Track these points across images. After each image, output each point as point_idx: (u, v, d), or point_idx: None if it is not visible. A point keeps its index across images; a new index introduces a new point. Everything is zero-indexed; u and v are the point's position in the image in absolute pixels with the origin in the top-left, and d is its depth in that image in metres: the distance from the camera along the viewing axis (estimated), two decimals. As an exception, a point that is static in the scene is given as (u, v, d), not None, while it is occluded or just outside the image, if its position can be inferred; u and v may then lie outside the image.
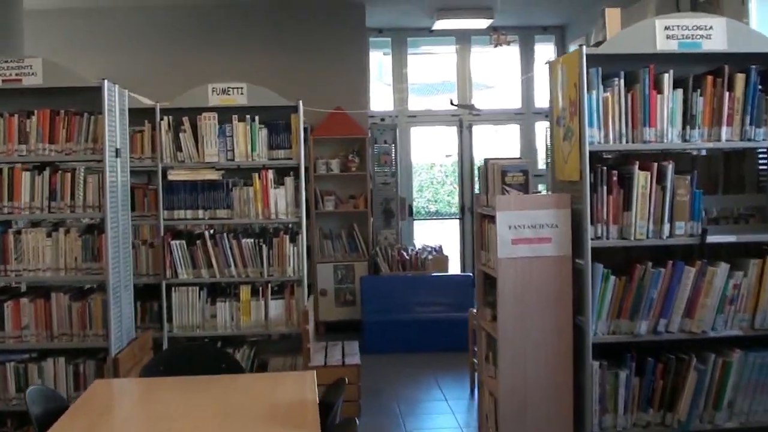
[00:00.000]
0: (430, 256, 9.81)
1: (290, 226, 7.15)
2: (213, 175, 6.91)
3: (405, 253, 9.84)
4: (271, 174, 6.90)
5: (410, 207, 11.67)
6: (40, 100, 5.56)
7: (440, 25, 10.81)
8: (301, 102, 6.97)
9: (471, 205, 11.74)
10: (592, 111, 4.52)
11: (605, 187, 4.55)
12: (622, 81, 4.56)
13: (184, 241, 6.87)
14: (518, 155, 11.86)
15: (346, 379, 4.20)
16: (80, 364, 5.57)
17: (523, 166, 4.77)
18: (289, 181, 6.93)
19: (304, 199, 7.09)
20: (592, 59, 4.53)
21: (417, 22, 11.17)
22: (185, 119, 6.85)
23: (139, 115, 6.92)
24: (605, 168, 4.54)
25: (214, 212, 6.87)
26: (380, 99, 11.86)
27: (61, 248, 5.51)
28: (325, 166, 10.11)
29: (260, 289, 6.92)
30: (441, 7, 10.32)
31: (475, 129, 11.84)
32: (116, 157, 5.60)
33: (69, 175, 5.50)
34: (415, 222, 12.02)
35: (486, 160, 5.03)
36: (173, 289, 6.86)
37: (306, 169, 10.02)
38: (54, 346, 5.56)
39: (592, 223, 4.56)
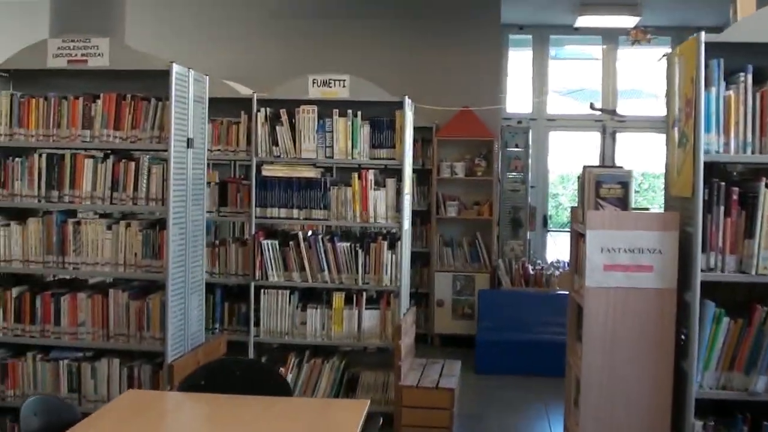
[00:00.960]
0: (557, 272, 8.92)
1: (393, 231, 6.52)
2: (310, 173, 6.38)
3: (530, 268, 8.99)
4: (371, 174, 6.30)
5: (545, 217, 10.80)
6: (107, 84, 5.13)
7: (583, 21, 9.88)
8: (407, 98, 6.32)
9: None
10: (711, 112, 3.63)
11: (722, 207, 3.65)
12: (750, 77, 3.64)
13: (276, 241, 6.36)
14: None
15: (381, 419, 3.50)
16: (135, 367, 5.11)
17: (622, 177, 3.92)
18: (390, 183, 6.30)
19: (407, 204, 6.46)
20: (714, 49, 3.64)
21: (560, 18, 10.28)
22: (283, 111, 6.33)
23: (235, 106, 6.48)
24: (723, 184, 3.64)
25: (309, 212, 6.34)
26: (516, 100, 11.01)
27: (121, 242, 5.04)
28: (450, 168, 9.38)
29: (354, 297, 6.33)
30: (583, 1, 9.40)
31: (620, 137, 10.82)
32: (188, 147, 5.10)
33: (133, 164, 5.03)
34: (558, 234, 11.13)
35: (584, 168, 4.19)
36: (262, 291, 6.36)
37: (428, 171, 9.40)
38: (110, 347, 5.11)
39: (704, 250, 3.67)
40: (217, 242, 6.58)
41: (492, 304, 8.74)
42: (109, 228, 5.06)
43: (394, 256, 6.28)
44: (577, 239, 4.33)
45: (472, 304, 9.20)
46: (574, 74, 11.38)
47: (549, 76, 10.93)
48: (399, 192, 6.29)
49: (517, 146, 9.64)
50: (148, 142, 5.01)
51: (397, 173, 6.34)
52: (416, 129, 9.35)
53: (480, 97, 9.51)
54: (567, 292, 8.91)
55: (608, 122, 10.73)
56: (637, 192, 11.78)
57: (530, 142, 9.76)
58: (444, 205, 9.37)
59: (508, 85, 10.70)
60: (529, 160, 9.71)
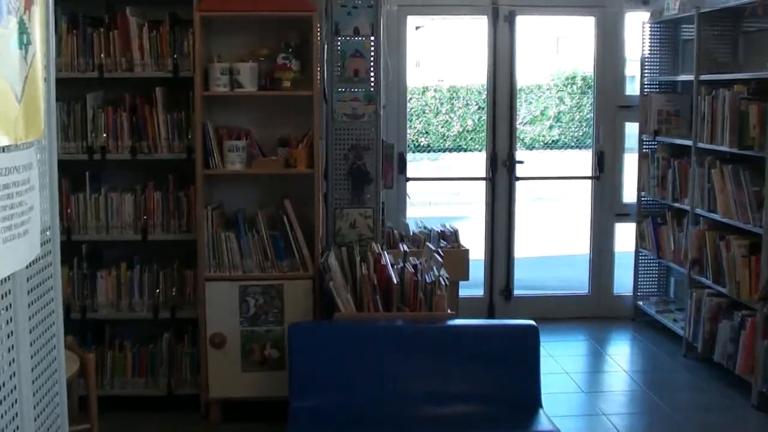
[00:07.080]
0: (443, 279, 4.07)
1: None
2: None
3: (390, 265, 4.12)
4: None
5: (402, 158, 5.93)
6: None
7: None
8: None
9: (509, 158, 6.01)
10: None
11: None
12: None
13: None
14: (591, 69, 6.18)
15: None
16: None
17: None
18: None
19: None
20: None
21: None
22: None
23: None
24: None
25: None
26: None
27: None
28: (228, 77, 4.27)
29: None
30: None
31: (522, 21, 6.01)
32: None
33: None
34: (418, 184, 6.31)
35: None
36: None
37: (185, 82, 4.31)
38: None
39: None
40: None
41: (316, 347, 3.89)
42: None
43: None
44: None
45: (279, 340, 4.31)
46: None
47: None
48: None
49: (357, 32, 4.63)
50: None
51: None
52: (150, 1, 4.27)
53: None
54: (468, 323, 4.00)
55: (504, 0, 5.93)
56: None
57: (381, 26, 4.76)
58: (219, 151, 4.31)
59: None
60: (381, 58, 4.72)
